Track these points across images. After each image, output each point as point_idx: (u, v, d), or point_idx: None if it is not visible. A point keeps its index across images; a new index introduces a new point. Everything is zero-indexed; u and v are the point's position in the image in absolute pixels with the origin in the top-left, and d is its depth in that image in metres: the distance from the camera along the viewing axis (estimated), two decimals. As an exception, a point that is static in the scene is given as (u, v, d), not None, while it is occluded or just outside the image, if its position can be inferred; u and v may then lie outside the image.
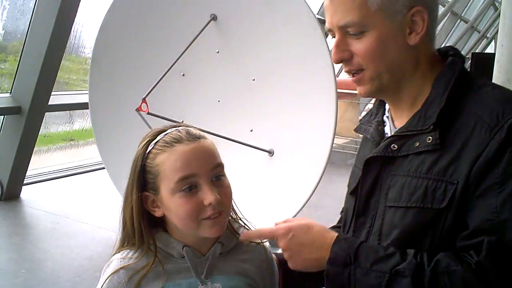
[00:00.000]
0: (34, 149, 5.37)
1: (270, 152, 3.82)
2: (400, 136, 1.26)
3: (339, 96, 4.00)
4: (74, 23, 5.42)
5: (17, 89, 4.97)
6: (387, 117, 1.39)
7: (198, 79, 4.18)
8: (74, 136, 7.54)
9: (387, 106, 1.40)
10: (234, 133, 3.95)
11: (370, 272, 1.11)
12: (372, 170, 1.30)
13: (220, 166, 1.24)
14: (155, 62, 4.19)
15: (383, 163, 1.28)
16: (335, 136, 3.51)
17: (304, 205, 3.55)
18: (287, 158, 3.77)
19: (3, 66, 5.85)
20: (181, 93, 4.25)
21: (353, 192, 1.39)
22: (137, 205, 1.14)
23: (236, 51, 3.97)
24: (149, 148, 1.14)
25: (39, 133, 5.29)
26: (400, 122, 1.31)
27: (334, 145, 3.59)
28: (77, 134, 7.57)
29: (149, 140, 1.16)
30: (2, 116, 5.10)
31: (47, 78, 4.85)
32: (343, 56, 1.27)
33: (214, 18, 3.93)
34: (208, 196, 1.14)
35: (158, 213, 1.17)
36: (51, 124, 6.70)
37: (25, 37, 4.80)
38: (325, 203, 5.16)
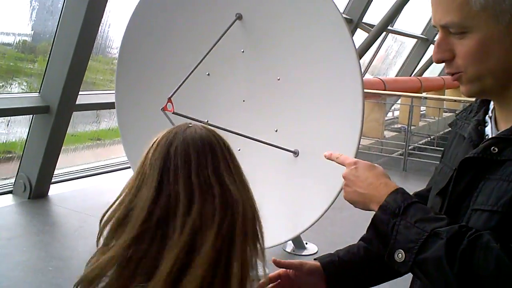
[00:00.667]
0: (62, 148, 5.45)
1: (295, 153, 3.79)
2: (503, 139, 1.16)
3: (365, 96, 3.95)
4: (101, 24, 5.50)
5: (46, 89, 5.05)
6: (490, 117, 1.28)
7: (223, 79, 4.18)
8: (100, 136, 7.64)
9: (491, 105, 1.29)
10: (259, 133, 3.94)
11: (412, 227, 1.12)
12: (467, 172, 1.21)
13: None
14: (181, 61, 4.20)
15: (478, 165, 1.19)
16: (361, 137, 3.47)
17: (329, 206, 3.51)
18: (312, 158, 3.73)
19: (32, 66, 5.96)
20: (206, 93, 4.25)
21: (441, 193, 1.29)
22: None
23: (261, 51, 3.95)
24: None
25: (67, 132, 5.37)
26: (505, 125, 1.21)
27: (359, 145, 3.53)
28: (103, 134, 7.67)
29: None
30: (31, 116, 5.20)
31: (75, 78, 4.92)
32: (444, 56, 1.18)
33: (239, 17, 3.92)
34: None
35: None
36: (78, 123, 6.81)
37: (53, 37, 4.87)
38: (350, 205, 5.11)
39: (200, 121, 3.73)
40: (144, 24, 4.31)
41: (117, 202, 1.04)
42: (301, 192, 3.73)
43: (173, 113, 3.40)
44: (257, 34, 3.95)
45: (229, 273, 0.96)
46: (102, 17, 4.84)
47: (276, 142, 3.81)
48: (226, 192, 1.04)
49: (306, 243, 4.35)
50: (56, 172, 5.70)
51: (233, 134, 3.80)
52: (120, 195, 1.05)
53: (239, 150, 4.25)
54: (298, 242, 4.50)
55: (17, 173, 5.45)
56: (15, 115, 5.10)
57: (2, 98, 4.99)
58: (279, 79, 3.88)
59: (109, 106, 5.29)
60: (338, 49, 3.44)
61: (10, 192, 5.54)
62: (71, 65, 4.75)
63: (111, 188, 5.91)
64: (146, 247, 0.95)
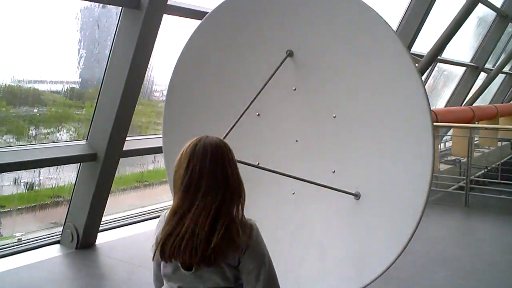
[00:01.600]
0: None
1: (356, 195, 3.47)
2: None
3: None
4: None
5: (93, 136, 4.99)
6: None
7: (274, 119, 3.96)
8: (146, 178, 7.52)
9: None
10: (315, 175, 3.66)
11: None
12: None
13: None
14: (229, 102, 4.02)
15: None
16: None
17: (400, 254, 3.16)
18: (376, 201, 3.41)
19: (79, 112, 5.95)
20: (256, 134, 4.03)
21: None
22: None
23: (314, 87, 3.72)
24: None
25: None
26: None
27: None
28: (148, 175, 7.55)
29: (223, 143, 1.90)
30: (79, 164, 5.12)
31: (122, 124, 4.84)
32: None
33: (290, 54, 3.72)
34: None
35: None
36: (124, 165, 6.71)
37: (100, 84, 4.83)
38: (413, 247, 4.72)
39: (251, 165, 3.50)
40: (191, 65, 4.17)
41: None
42: (365, 239, 3.39)
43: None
44: (309, 71, 3.73)
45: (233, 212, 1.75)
46: (148, 63, 4.77)
47: (334, 184, 3.52)
48: (225, 175, 1.74)
49: (371, 294, 3.97)
50: (103, 219, 5.58)
51: (287, 178, 3.55)
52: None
53: (294, 193, 4.00)
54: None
55: (65, 222, 5.36)
56: (62, 164, 5.04)
57: (49, 148, 4.94)
58: (335, 117, 3.62)
59: (156, 150, 5.16)
60: (401, 82, 3.16)
61: (58, 242, 5.43)
62: (117, 112, 4.67)
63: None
64: (189, 196, 1.70)
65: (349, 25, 3.46)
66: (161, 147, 4.47)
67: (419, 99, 3.01)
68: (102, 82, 4.78)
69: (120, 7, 4.52)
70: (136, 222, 6.26)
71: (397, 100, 3.24)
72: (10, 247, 5.23)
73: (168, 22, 5.25)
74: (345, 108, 3.58)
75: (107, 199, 5.27)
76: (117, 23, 4.59)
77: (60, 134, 5.65)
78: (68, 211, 5.34)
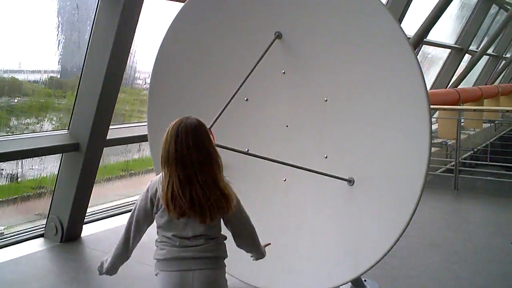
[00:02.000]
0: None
1: (350, 181, 3.38)
2: None
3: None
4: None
5: (75, 125, 4.80)
6: None
7: (263, 104, 3.83)
8: (131, 167, 7.32)
9: None
10: (306, 160, 3.55)
11: None
12: None
13: None
14: (217, 87, 3.88)
15: None
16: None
17: (396, 242, 3.07)
18: (370, 187, 3.32)
19: (63, 102, 5.73)
20: (245, 119, 3.90)
21: None
22: None
23: (305, 71, 3.59)
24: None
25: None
26: None
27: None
28: (134, 164, 7.35)
29: (198, 121, 2.20)
30: (61, 154, 4.94)
31: (105, 113, 4.66)
32: None
33: (278, 36, 3.59)
34: None
35: None
36: (109, 155, 6.51)
37: (80, 72, 4.64)
38: (406, 232, 4.66)
39: (242, 152, 3.37)
40: (175, 50, 4.02)
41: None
42: (359, 226, 3.30)
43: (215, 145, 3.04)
44: (299, 53, 3.60)
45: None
46: (130, 48, 4.58)
47: (327, 170, 3.41)
48: (206, 149, 2.10)
49: (365, 280, 3.89)
50: (89, 210, 5.41)
51: (278, 164, 3.44)
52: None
53: (285, 180, 3.89)
54: (356, 280, 4.04)
55: (48, 215, 5.18)
56: (43, 155, 4.85)
57: (30, 138, 4.75)
58: (326, 100, 3.51)
59: (142, 139, 5.01)
60: (395, 62, 3.05)
61: (41, 235, 5.26)
62: (100, 100, 4.50)
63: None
64: (182, 167, 2.08)
65: (340, 4, 3.34)
66: (146, 135, 4.33)
67: (415, 80, 2.90)
68: (82, 69, 4.59)
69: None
70: (122, 212, 6.09)
71: (391, 81, 3.13)
72: (-8, 241, 5.06)
73: (150, 5, 5.05)
74: (336, 91, 3.46)
75: (91, 190, 5.10)
76: (96, 6, 4.39)
77: (41, 125, 5.45)
78: (51, 203, 5.16)
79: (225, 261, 2.29)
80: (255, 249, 2.41)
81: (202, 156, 2.05)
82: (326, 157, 3.54)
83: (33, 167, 5.41)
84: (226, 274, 2.33)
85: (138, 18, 4.50)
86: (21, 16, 4.49)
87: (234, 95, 3.37)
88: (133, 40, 4.54)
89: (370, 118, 3.32)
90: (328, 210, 3.48)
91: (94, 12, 4.42)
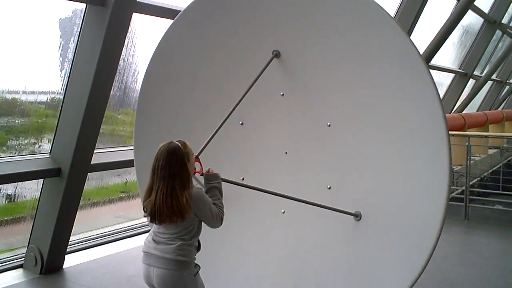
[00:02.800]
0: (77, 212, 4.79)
1: (357, 216, 3.01)
2: None
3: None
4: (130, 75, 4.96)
5: (57, 149, 4.45)
6: None
7: (260, 128, 3.49)
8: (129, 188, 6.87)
9: None
10: (308, 192, 3.20)
11: None
12: None
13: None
14: (209, 108, 3.55)
15: None
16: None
17: (413, 285, 2.68)
18: (380, 223, 2.95)
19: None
20: (240, 145, 3.56)
21: None
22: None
23: (305, 92, 3.26)
24: (181, 148, 2.59)
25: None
26: None
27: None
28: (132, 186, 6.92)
29: (178, 146, 2.59)
30: (42, 180, 4.59)
31: (89, 135, 4.32)
32: None
33: (277, 54, 3.27)
34: None
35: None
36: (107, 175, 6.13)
37: (64, 91, 4.32)
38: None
39: (234, 182, 3.00)
40: (164, 69, 3.70)
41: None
42: (367, 268, 2.92)
43: (201, 175, 2.70)
44: (299, 73, 3.27)
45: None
46: (117, 66, 4.27)
47: (330, 203, 3.06)
48: (167, 166, 2.51)
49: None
50: (73, 238, 5.03)
51: (275, 196, 3.07)
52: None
53: (284, 212, 3.52)
54: None
55: (28, 245, 4.79)
56: (22, 181, 4.50)
57: (8, 162, 4.40)
58: (329, 125, 3.17)
59: (128, 164, 4.65)
60: (408, 83, 2.71)
61: (20, 266, 4.86)
62: (83, 122, 4.16)
63: (134, 256, 5.20)
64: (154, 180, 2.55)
65: (343, 19, 3.02)
66: (132, 160, 3.99)
67: (431, 103, 2.56)
68: (66, 89, 4.27)
69: (85, 5, 4.02)
70: (111, 241, 5.70)
71: (403, 104, 2.79)
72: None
73: (151, 22, 4.74)
74: (341, 115, 3.12)
75: (74, 219, 4.72)
76: (81, 23, 4.08)
77: (39, 145, 5.10)
78: (31, 232, 4.78)
79: (192, 264, 2.56)
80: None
81: (167, 173, 2.48)
82: (330, 188, 3.18)
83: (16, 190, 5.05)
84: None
85: (125, 35, 4.20)
86: (24, 37, 4.29)
87: (226, 118, 3.03)
88: (120, 57, 4.22)
89: (379, 145, 2.97)
90: (332, 248, 3.11)
91: (78, 30, 4.12)
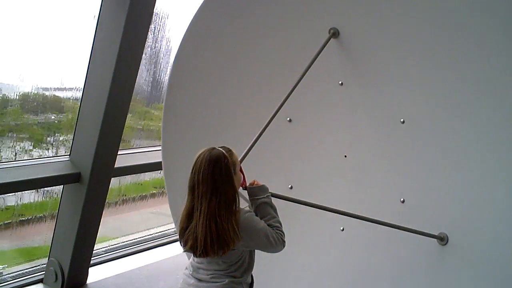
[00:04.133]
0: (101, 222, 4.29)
1: (442, 239, 2.35)
2: None
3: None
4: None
5: (76, 152, 3.94)
6: None
7: (311, 126, 2.86)
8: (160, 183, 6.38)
9: None
10: (374, 206, 2.58)
11: None
12: None
13: None
14: (250, 104, 2.94)
15: None
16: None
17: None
18: (472, 248, 2.30)
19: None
20: (288, 147, 2.95)
21: None
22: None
23: (371, 81, 2.60)
24: (227, 154, 2.00)
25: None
26: None
27: None
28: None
29: (223, 152, 2.00)
30: (62, 186, 4.09)
31: (110, 136, 3.80)
32: None
33: (335, 34, 2.62)
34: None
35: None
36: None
37: (83, 88, 3.80)
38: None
39: (283, 197, 2.37)
40: (195, 59, 3.10)
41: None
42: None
43: (244, 188, 2.09)
44: (363, 57, 2.62)
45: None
46: (141, 55, 3.70)
47: (404, 220, 2.42)
48: (210, 180, 1.96)
49: None
50: (96, 247, 4.55)
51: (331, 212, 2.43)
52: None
53: (343, 230, 2.88)
54: None
55: (48, 258, 4.32)
56: (39, 188, 4.02)
57: (24, 167, 3.91)
58: (403, 122, 2.51)
59: (158, 166, 4.11)
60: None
61: (41, 280, 4.40)
62: (104, 122, 3.64)
63: (165, 271, 4.67)
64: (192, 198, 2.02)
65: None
66: (160, 162, 3.43)
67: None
68: (84, 85, 3.74)
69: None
70: (138, 251, 5.20)
71: (503, 97, 2.11)
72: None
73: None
74: (419, 110, 2.46)
75: (97, 229, 4.23)
76: (98, 16, 3.54)
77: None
78: (51, 245, 4.31)
79: None
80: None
81: (210, 189, 1.96)
82: (403, 201, 2.53)
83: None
84: None
85: (149, 24, 3.63)
86: (61, 34, 3.99)
87: (274, 115, 2.40)
88: (144, 44, 3.64)
89: (471, 149, 2.31)
90: (407, 280, 2.46)
91: (96, 21, 3.57)
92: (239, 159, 2.17)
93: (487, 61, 2.22)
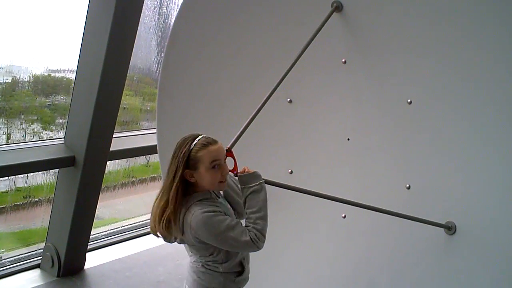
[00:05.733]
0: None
1: (449, 228, 2.20)
2: None
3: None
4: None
5: (70, 135, 3.80)
6: None
7: (313, 107, 2.69)
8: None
9: None
10: (378, 192, 2.42)
11: None
12: None
13: (225, 156, 1.92)
14: (247, 82, 2.78)
15: None
16: None
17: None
18: (481, 238, 2.14)
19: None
20: (288, 129, 2.78)
21: None
22: (181, 177, 1.86)
23: (376, 59, 2.42)
24: (191, 147, 1.85)
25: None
26: None
27: None
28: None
29: (189, 142, 1.87)
30: (57, 170, 3.97)
31: (104, 119, 3.64)
32: None
33: (338, 7, 2.44)
34: (225, 170, 1.87)
35: (192, 180, 1.88)
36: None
37: (76, 70, 3.65)
38: None
39: (281, 185, 2.20)
40: (191, 33, 2.93)
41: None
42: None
43: (235, 174, 1.94)
44: (368, 33, 2.43)
45: None
46: (135, 35, 3.52)
47: (409, 208, 2.26)
48: (169, 167, 1.89)
49: None
50: (93, 232, 4.44)
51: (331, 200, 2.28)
52: None
53: (345, 217, 2.73)
54: None
55: (45, 243, 4.22)
56: (32, 172, 3.91)
57: (16, 150, 3.78)
58: (410, 102, 2.33)
59: (151, 150, 3.97)
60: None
61: (38, 265, 4.31)
62: (97, 103, 3.48)
63: (164, 256, 4.57)
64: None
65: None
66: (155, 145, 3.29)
67: None
68: (78, 65, 3.58)
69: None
70: (137, 236, 5.09)
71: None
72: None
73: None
74: (427, 89, 2.29)
75: (94, 213, 4.11)
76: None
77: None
78: (48, 230, 4.20)
79: None
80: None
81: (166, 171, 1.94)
82: (409, 188, 2.37)
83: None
84: None
85: (142, 2, 3.45)
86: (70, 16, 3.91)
87: (270, 95, 2.24)
88: (138, 23, 3.47)
89: (482, 131, 2.13)
90: (411, 269, 2.31)
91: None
92: (231, 143, 2.02)
93: (506, 36, 2.05)
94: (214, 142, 1.87)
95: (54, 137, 4.34)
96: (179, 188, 1.85)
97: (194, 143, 1.85)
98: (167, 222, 1.84)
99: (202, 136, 1.88)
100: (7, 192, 4.49)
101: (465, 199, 2.19)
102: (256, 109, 2.18)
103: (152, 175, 5.82)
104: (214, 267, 1.94)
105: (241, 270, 1.98)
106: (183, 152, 1.84)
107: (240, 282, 1.98)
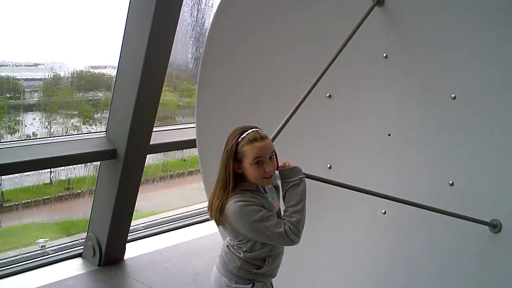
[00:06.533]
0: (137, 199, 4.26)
1: (495, 226, 2.15)
2: None
3: None
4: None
5: (112, 128, 3.89)
6: None
7: (353, 102, 2.66)
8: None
9: None
10: (420, 188, 2.38)
11: None
12: None
13: (273, 152, 1.91)
14: (286, 77, 2.78)
15: None
16: None
17: None
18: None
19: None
20: (327, 124, 2.77)
21: None
22: (231, 167, 1.90)
23: (419, 54, 2.38)
24: (239, 140, 1.88)
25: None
26: None
27: None
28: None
29: (238, 135, 1.89)
30: (98, 163, 4.07)
31: (145, 113, 3.72)
32: None
33: (379, 1, 2.40)
34: (268, 167, 1.87)
35: (239, 171, 1.91)
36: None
37: (117, 65, 3.72)
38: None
39: (320, 179, 2.20)
40: (230, 29, 2.95)
41: None
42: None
43: (276, 168, 1.95)
44: (410, 27, 2.39)
45: None
46: (175, 31, 3.57)
47: (452, 205, 2.22)
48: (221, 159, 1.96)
49: None
50: (133, 223, 4.54)
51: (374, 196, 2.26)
52: None
53: (385, 213, 2.71)
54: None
55: (87, 233, 4.35)
56: (71, 164, 4.01)
57: (59, 142, 3.90)
58: (454, 97, 2.28)
59: (191, 144, 4.02)
60: None
61: (80, 254, 4.44)
62: (138, 98, 3.56)
63: (202, 248, 4.63)
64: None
65: None
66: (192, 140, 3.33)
67: None
68: (119, 62, 3.66)
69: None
70: (177, 227, 5.17)
71: None
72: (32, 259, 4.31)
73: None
74: (472, 84, 2.23)
75: (134, 205, 4.20)
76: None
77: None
78: (90, 219, 4.32)
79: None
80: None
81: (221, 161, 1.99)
82: (452, 184, 2.32)
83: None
84: None
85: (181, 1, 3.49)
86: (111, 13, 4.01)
87: (310, 90, 2.24)
88: (178, 18, 3.51)
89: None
90: (453, 268, 2.27)
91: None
92: (271, 137, 2.03)
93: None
94: (262, 138, 1.87)
95: (92, 131, 4.46)
96: (229, 177, 1.89)
97: (242, 136, 1.88)
98: (220, 210, 1.91)
99: (252, 130, 1.90)
100: (51, 184, 4.64)
101: (510, 197, 2.14)
102: (296, 104, 2.18)
103: (189, 169, 5.92)
104: (237, 251, 2.00)
105: (261, 265, 2.00)
106: (232, 144, 1.88)
107: (257, 276, 2.01)
